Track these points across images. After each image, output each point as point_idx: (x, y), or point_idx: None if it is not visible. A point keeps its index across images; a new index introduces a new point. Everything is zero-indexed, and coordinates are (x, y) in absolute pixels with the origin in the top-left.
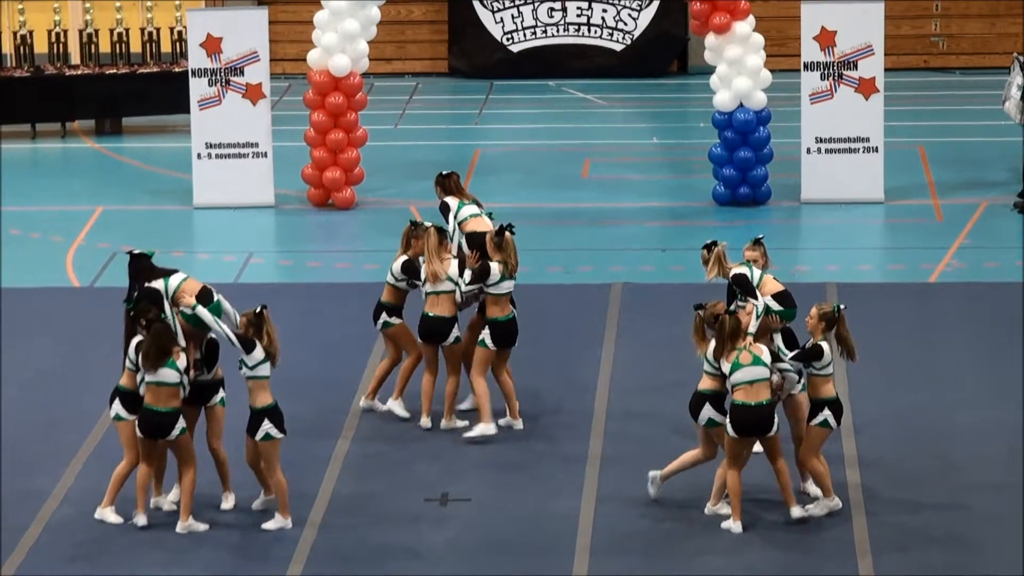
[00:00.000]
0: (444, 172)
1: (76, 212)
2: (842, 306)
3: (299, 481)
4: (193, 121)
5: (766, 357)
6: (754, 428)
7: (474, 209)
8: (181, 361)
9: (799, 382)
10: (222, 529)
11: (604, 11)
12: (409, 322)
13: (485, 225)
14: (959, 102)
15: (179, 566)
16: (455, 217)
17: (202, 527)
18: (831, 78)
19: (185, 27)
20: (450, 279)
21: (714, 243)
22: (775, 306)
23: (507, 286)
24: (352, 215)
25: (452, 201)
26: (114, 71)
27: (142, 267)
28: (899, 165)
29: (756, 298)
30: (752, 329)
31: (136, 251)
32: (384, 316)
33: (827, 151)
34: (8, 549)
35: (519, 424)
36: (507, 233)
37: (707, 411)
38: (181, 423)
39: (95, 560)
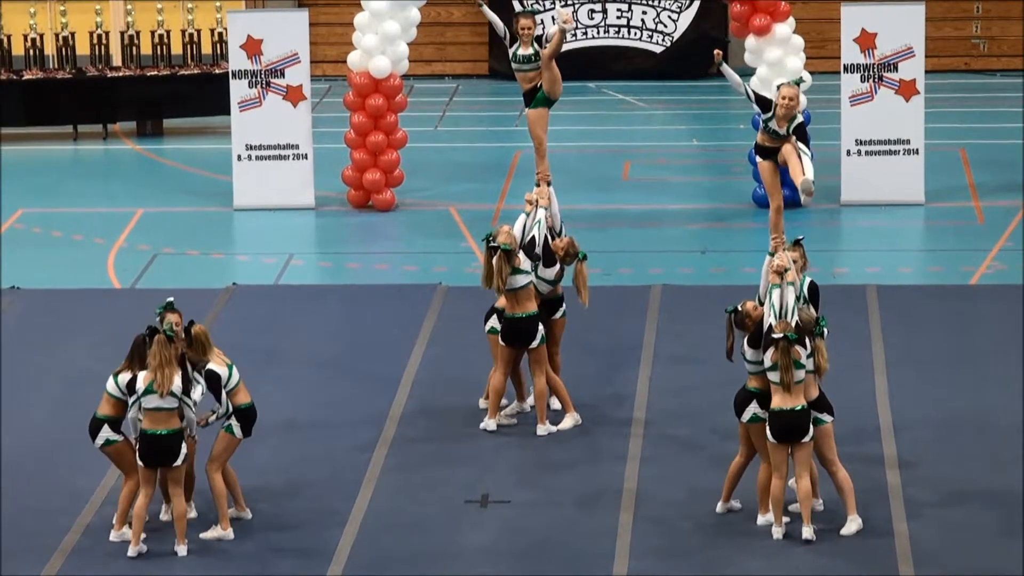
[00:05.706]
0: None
1: (117, 214)
2: (825, 326)
3: (338, 482)
4: (233, 123)
5: (804, 360)
6: (790, 433)
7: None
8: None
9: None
10: (261, 529)
11: (644, 13)
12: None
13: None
14: (1000, 104)
15: (218, 567)
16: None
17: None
18: (871, 80)
19: (226, 29)
20: (525, 272)
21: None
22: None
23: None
24: (392, 217)
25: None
26: (155, 73)
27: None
28: (940, 167)
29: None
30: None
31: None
32: (493, 321)
33: (867, 153)
34: (50, 549)
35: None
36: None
37: (753, 407)
38: (185, 450)
39: (135, 561)
